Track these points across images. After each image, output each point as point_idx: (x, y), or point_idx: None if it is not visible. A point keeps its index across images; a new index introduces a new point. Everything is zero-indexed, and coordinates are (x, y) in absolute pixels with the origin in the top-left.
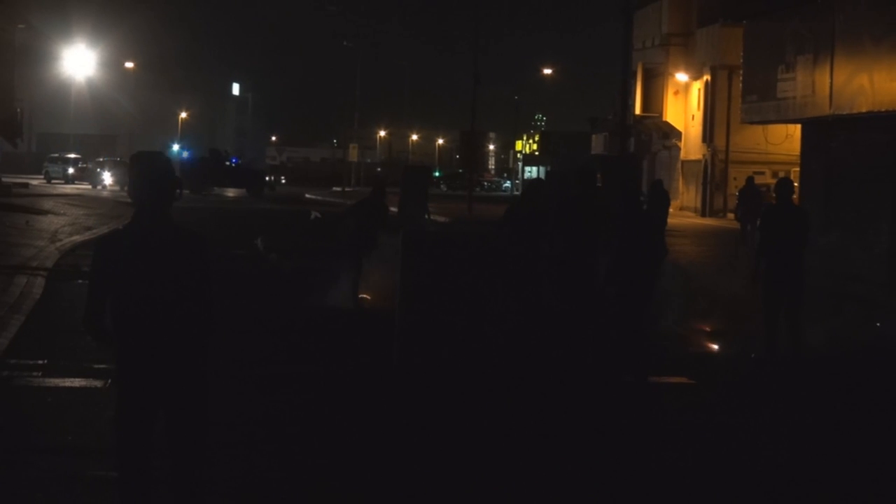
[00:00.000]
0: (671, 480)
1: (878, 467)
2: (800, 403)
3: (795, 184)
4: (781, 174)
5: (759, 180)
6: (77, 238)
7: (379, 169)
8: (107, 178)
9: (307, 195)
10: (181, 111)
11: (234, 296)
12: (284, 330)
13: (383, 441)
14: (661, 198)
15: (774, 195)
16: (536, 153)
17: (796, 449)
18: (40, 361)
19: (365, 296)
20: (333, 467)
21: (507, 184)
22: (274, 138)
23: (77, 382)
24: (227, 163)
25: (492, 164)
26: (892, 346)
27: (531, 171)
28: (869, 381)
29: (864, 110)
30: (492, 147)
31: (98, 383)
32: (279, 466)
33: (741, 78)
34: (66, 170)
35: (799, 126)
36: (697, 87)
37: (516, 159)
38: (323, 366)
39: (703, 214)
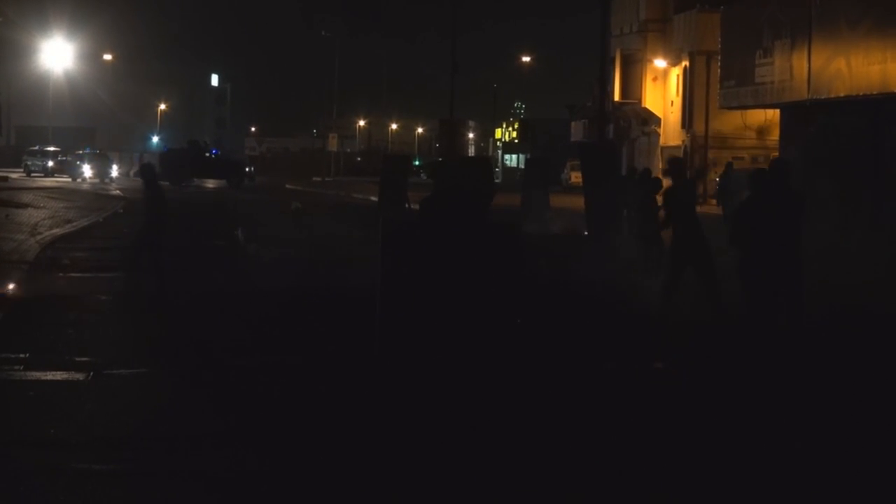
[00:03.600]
0: (649, 468)
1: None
2: (779, 389)
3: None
4: (761, 159)
5: (738, 165)
6: (57, 231)
7: (141, 155)
8: (87, 170)
9: (287, 185)
10: (160, 103)
11: (214, 286)
12: (265, 319)
13: (362, 432)
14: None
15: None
16: (516, 141)
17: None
18: (22, 355)
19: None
20: (314, 458)
21: None
22: (253, 129)
23: (59, 376)
24: (207, 154)
25: (472, 152)
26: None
27: (510, 159)
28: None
29: (841, 94)
30: (471, 135)
31: (80, 376)
32: (260, 456)
33: (719, 63)
34: (46, 163)
35: (777, 110)
36: (676, 73)
37: (496, 147)
38: (305, 355)
39: None
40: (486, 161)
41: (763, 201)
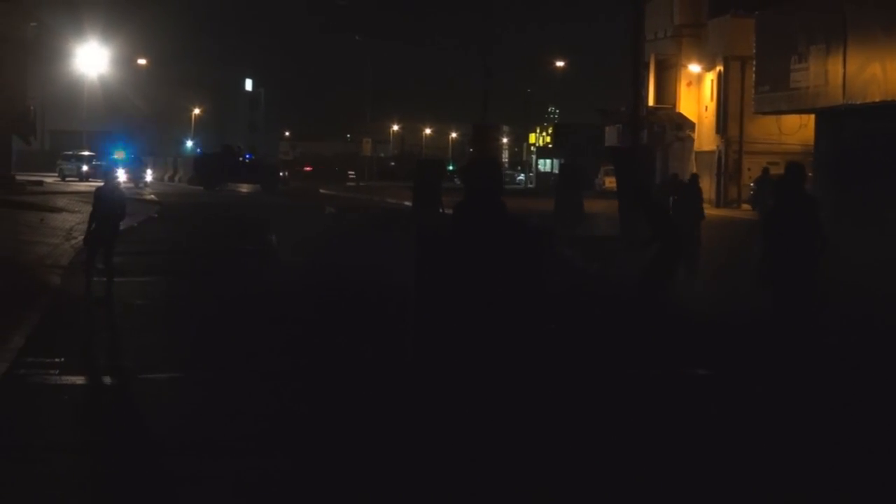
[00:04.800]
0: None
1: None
2: (811, 394)
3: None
4: None
5: (773, 171)
6: None
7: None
8: (121, 175)
9: (321, 190)
10: (194, 107)
11: (248, 290)
12: (299, 322)
13: (393, 438)
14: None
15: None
16: (550, 146)
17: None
18: (57, 359)
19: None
20: (341, 464)
21: (521, 177)
22: (287, 133)
23: (94, 380)
24: (241, 158)
25: (505, 157)
26: None
27: (544, 164)
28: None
29: (877, 99)
30: (505, 140)
31: (115, 380)
32: (292, 461)
33: (754, 68)
34: (80, 167)
35: (812, 116)
36: (710, 78)
37: (530, 152)
38: (338, 359)
39: (718, 205)
40: (494, 163)
41: (778, 206)
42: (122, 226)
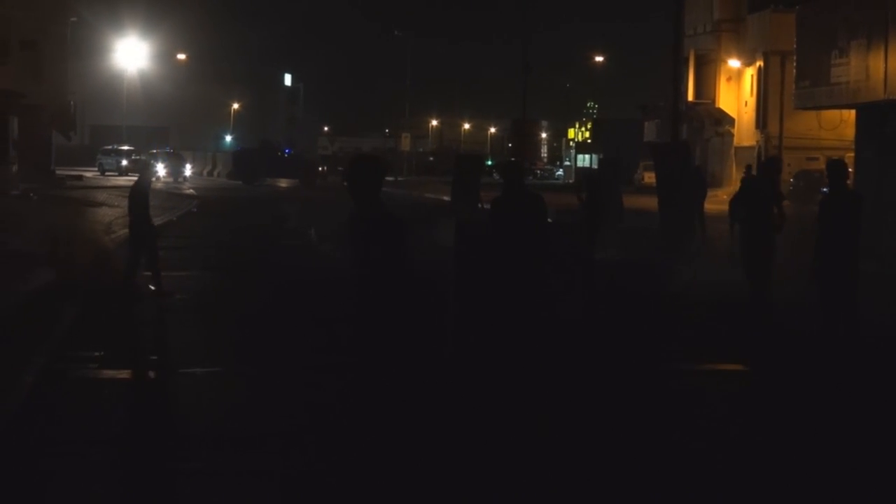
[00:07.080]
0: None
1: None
2: (846, 392)
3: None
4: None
5: (813, 166)
6: None
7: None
8: (160, 169)
9: None
10: (233, 102)
11: (288, 286)
12: (337, 318)
13: (429, 434)
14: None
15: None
16: (589, 141)
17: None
18: (97, 353)
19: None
20: (382, 460)
21: (560, 172)
22: (326, 128)
23: (133, 374)
24: (280, 153)
25: (544, 152)
26: None
27: (584, 159)
28: None
29: None
30: (544, 135)
31: (154, 374)
32: (328, 457)
33: (794, 64)
34: (120, 162)
35: (853, 111)
36: (750, 73)
37: (568, 147)
38: (377, 355)
39: None
40: (478, 159)
41: (822, 203)
42: (161, 220)
